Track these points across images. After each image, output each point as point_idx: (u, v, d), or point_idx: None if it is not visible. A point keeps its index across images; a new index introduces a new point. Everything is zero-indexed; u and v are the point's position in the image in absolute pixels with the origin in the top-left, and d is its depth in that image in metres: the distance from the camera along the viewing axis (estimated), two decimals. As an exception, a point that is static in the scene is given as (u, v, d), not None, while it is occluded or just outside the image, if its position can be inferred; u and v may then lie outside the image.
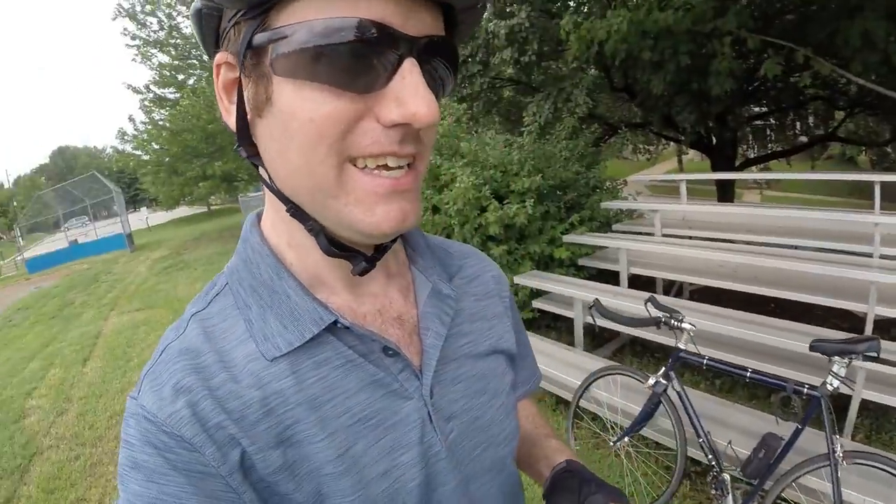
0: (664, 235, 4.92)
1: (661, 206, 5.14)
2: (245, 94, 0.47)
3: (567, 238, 4.89)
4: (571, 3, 9.06)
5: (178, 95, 17.48)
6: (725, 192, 9.58)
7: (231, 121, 0.49)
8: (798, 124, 11.24)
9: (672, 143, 13.65)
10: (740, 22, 6.24)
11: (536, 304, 4.61)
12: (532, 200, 4.74)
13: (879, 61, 5.88)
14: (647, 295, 2.62)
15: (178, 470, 0.45)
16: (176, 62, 18.23)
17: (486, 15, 8.56)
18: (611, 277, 4.73)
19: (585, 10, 8.48)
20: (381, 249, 0.54)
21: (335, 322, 0.51)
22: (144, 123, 17.95)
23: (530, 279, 4.52)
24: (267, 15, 0.43)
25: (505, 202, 4.85)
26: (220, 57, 0.48)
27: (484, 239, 4.91)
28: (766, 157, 11.89)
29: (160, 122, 17.01)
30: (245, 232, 0.57)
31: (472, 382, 0.61)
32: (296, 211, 0.49)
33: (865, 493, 2.11)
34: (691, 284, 4.87)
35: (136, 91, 18.21)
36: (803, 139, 11.25)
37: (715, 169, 10.13)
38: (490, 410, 0.62)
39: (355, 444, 0.51)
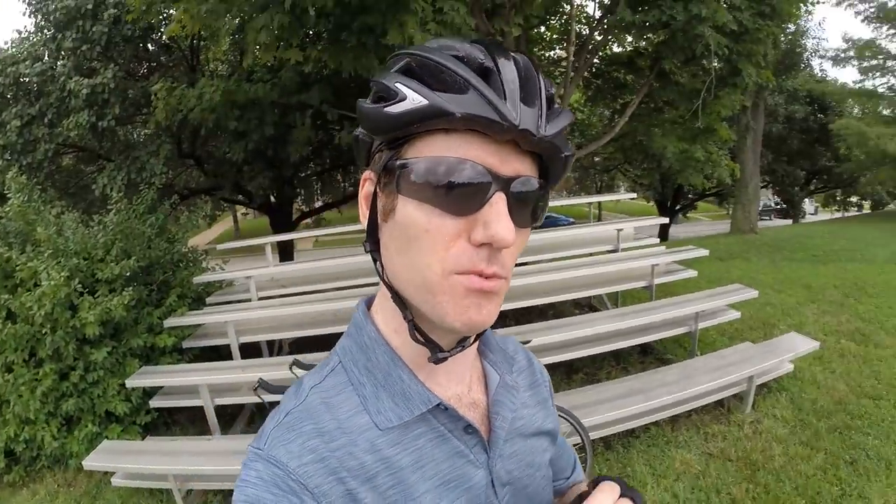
0: (261, 299, 5.05)
1: (253, 271, 5.19)
2: (378, 203, 0.60)
3: (169, 322, 4.51)
4: (155, 67, 8.66)
5: None
6: (286, 247, 10.62)
7: (365, 221, 0.62)
8: (342, 178, 13.18)
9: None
10: (322, 96, 7.02)
11: (155, 403, 4.10)
12: (131, 288, 4.27)
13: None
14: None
15: None
16: None
17: (65, 70, 7.47)
18: (213, 353, 4.74)
19: (173, 75, 8.24)
20: (458, 347, 0.62)
21: (438, 404, 0.63)
22: None
23: (142, 379, 4.04)
24: (401, 147, 0.55)
25: (97, 295, 4.21)
26: (366, 174, 0.62)
27: (79, 344, 4.13)
28: (320, 209, 13.39)
29: None
30: (359, 320, 0.68)
31: (523, 457, 0.73)
32: (398, 300, 0.60)
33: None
34: (290, 339, 5.12)
35: None
36: (351, 189, 13.21)
37: (274, 225, 10.98)
38: (535, 480, 0.75)
39: (441, 501, 0.62)
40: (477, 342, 0.69)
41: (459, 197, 0.52)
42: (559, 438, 0.88)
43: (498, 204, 0.53)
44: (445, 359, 0.61)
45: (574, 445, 3.04)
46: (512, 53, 0.56)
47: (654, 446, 3.60)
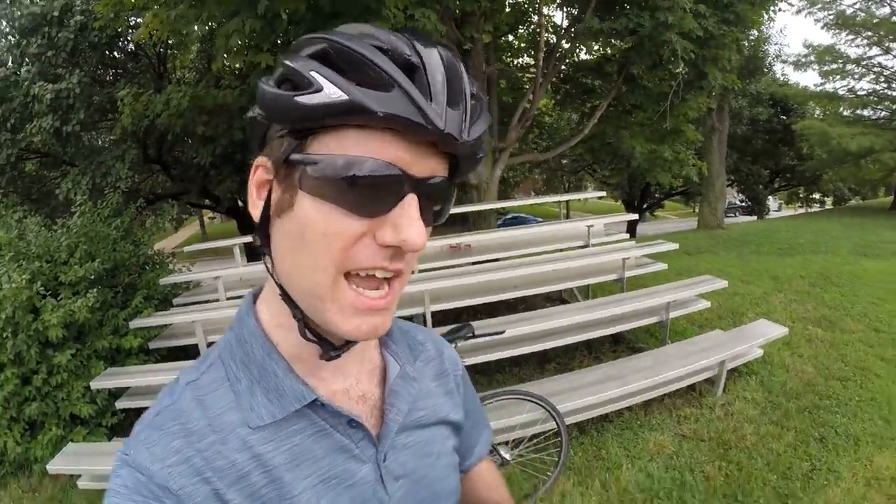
0: (229, 299, 4.95)
1: (221, 271, 5.07)
2: (273, 195, 0.55)
3: (134, 324, 4.39)
4: (122, 73, 8.55)
5: None
6: (254, 250, 10.60)
7: (256, 213, 0.57)
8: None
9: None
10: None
11: (122, 404, 3.99)
12: (95, 290, 4.18)
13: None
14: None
15: None
16: None
17: (29, 76, 7.40)
18: (180, 353, 4.72)
19: (140, 82, 8.16)
20: (349, 343, 0.61)
21: (314, 400, 0.60)
22: None
23: (107, 380, 3.94)
24: (305, 139, 0.50)
25: (59, 297, 4.13)
26: (259, 160, 0.56)
27: (42, 347, 4.01)
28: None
29: None
30: (242, 313, 0.65)
31: (420, 447, 0.70)
32: (287, 297, 0.57)
33: (503, 417, 3.14)
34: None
35: None
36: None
37: (242, 229, 11.01)
38: (435, 469, 0.71)
39: (320, 501, 0.60)
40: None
41: (369, 198, 0.49)
42: (469, 421, 0.85)
43: (410, 207, 0.50)
44: (339, 356, 0.60)
45: (549, 431, 3.11)
46: (438, 45, 0.52)
47: (628, 429, 3.64)
